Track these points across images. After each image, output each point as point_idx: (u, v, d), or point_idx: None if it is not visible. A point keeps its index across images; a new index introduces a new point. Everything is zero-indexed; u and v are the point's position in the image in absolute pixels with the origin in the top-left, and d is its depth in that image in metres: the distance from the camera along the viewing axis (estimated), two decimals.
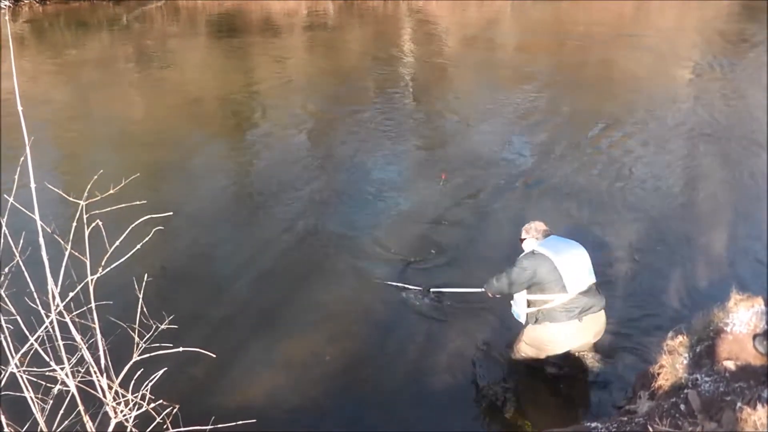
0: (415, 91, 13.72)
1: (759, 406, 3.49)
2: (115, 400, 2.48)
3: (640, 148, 10.59)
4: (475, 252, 7.36)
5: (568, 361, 5.42)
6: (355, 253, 7.29)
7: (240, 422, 2.60)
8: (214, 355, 2.90)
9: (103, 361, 2.51)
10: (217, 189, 8.77)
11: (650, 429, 3.69)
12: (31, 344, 2.47)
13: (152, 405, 2.47)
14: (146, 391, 2.48)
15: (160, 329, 2.70)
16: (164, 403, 2.49)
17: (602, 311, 5.06)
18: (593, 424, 4.22)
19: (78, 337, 2.47)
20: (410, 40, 17.99)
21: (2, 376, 2.51)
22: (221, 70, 14.94)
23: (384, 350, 5.74)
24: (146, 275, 2.79)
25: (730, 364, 4.41)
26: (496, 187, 8.91)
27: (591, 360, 5.21)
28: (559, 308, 4.93)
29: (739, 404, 3.84)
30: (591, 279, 4.97)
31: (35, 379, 2.54)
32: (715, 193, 8.91)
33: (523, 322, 5.16)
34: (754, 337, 4.54)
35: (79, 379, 2.54)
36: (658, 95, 13.38)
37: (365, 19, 19.86)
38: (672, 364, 4.71)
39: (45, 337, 2.51)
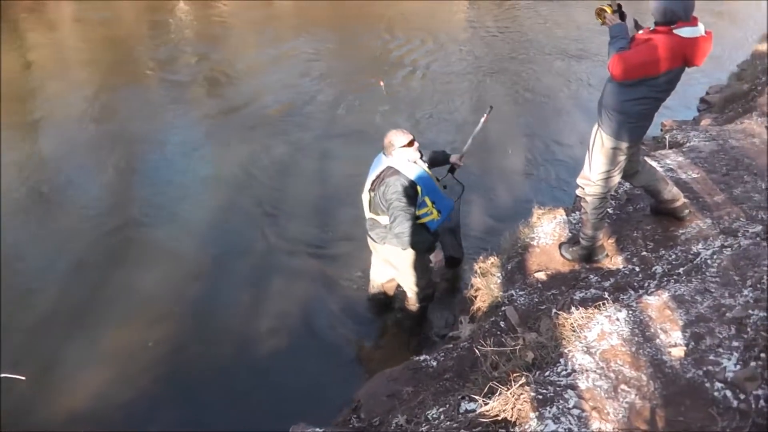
0: (196, 52, 12.87)
1: (573, 309, 3.56)
2: None
3: (424, 83, 10.80)
4: (286, 203, 7.12)
5: (386, 301, 5.41)
6: (161, 230, 6.66)
7: None
8: (23, 378, 2.39)
9: None
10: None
11: (476, 350, 3.67)
12: None
13: None
14: None
15: None
16: None
17: (377, 244, 4.71)
18: (422, 357, 4.16)
19: None
20: (186, 2, 16.81)
21: None
22: None
23: (208, 324, 5.36)
24: None
25: (541, 275, 4.55)
26: (290, 137, 8.66)
27: (408, 298, 5.14)
28: None
29: (554, 311, 3.93)
30: (367, 210, 4.65)
31: None
32: (498, 114, 9.24)
33: None
34: (560, 245, 4.72)
35: None
36: (438, 30, 13.74)
37: None
38: (487, 285, 4.78)
39: None
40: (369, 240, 4.80)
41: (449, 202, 4.67)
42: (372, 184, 4.47)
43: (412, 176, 4.35)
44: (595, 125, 4.10)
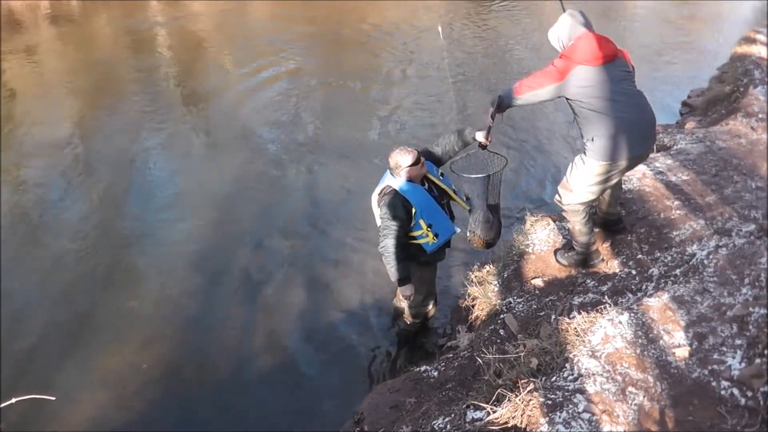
0: (176, 71, 12.81)
1: (574, 314, 3.57)
2: None
3: (408, 86, 10.85)
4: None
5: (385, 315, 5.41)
6: (149, 250, 6.62)
7: None
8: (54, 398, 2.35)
9: None
10: None
11: (478, 359, 3.65)
12: None
13: None
14: None
15: None
16: None
17: None
18: (423, 368, 4.15)
19: None
20: (162, 20, 16.73)
21: None
22: None
23: (202, 344, 5.32)
24: None
25: (538, 282, 4.55)
26: (275, 151, 8.67)
27: (404, 311, 5.14)
28: None
29: (554, 317, 3.94)
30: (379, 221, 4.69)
31: None
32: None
33: None
34: (555, 252, 4.73)
35: None
36: (415, 48, 13.81)
37: (112, 7, 18.04)
38: (484, 293, 4.77)
39: None
40: None
41: (450, 226, 4.56)
42: (377, 200, 4.53)
43: (409, 198, 4.34)
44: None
